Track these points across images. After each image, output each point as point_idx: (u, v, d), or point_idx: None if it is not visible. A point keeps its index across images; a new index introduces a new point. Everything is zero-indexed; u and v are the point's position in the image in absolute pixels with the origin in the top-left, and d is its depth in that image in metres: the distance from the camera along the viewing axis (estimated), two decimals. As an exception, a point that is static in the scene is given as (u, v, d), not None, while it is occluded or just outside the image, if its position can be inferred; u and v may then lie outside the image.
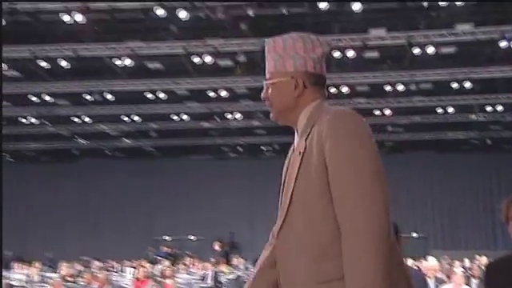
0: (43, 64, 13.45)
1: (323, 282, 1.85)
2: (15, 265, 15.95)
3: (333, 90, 15.52)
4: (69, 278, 11.18)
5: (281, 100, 2.10)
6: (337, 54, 13.50)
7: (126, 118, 18.46)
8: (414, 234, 21.17)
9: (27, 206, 22.44)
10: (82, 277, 11.37)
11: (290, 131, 2.15)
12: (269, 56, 2.15)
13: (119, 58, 13.48)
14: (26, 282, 12.31)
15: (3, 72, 14.15)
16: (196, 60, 13.61)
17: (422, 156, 22.09)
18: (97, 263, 16.39)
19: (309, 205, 1.92)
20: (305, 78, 2.08)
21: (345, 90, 15.48)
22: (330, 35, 13.08)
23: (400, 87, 15.38)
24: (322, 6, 11.48)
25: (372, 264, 1.75)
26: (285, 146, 21.58)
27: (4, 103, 16.74)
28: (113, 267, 16.51)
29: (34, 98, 16.13)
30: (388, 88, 15.62)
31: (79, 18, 11.42)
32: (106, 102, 16.52)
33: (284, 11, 12.24)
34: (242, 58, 14.01)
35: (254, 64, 14.08)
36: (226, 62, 14.37)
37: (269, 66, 2.14)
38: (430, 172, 21.91)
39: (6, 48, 12.79)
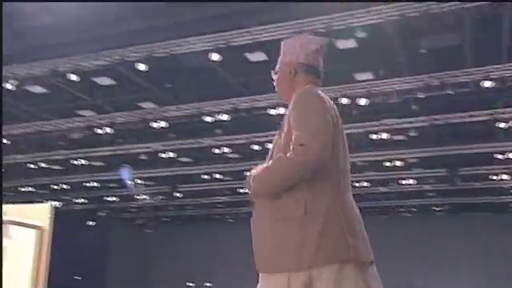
0: (256, 147, 13.91)
1: (280, 218, 2.01)
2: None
3: (500, 156, 13.94)
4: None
5: (281, 83, 2.29)
6: (502, 125, 12.12)
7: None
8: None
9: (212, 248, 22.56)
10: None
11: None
12: (281, 53, 2.31)
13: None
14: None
15: (225, 154, 15.02)
16: (373, 137, 13.17)
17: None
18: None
19: None
20: (297, 66, 2.23)
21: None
22: (494, 110, 11.87)
23: None
24: (487, 84, 10.43)
25: (271, 183, 2.02)
26: (455, 206, 19.74)
27: (226, 178, 17.66)
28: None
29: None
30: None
31: (282, 110, 11.79)
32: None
33: (450, 91, 11.34)
34: (413, 133, 13.23)
35: (423, 138, 13.23)
36: (398, 138, 13.67)
37: (279, 60, 2.31)
38: None
39: (228, 137, 13.69)
